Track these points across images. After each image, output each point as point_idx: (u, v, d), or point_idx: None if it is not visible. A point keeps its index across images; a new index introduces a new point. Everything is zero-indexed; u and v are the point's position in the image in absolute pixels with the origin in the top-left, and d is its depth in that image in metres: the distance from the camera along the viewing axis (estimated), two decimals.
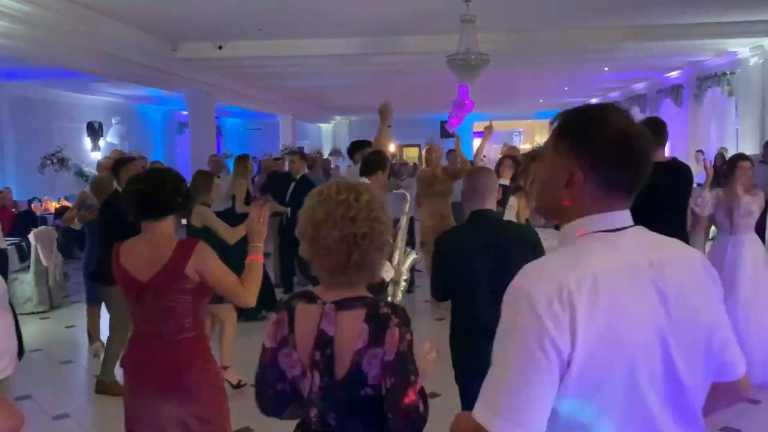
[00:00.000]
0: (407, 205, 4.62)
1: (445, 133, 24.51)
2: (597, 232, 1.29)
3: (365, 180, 4.40)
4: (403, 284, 4.42)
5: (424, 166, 7.22)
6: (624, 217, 1.33)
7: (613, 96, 17.90)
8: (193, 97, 12.30)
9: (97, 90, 14.02)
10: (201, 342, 2.67)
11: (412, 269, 4.80)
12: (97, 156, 14.91)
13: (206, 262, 2.56)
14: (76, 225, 6.12)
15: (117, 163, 5.31)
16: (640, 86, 15.84)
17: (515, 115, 25.31)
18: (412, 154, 24.77)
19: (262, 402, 1.78)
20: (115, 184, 5.10)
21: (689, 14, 9.10)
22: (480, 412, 1.19)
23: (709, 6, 8.66)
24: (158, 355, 2.57)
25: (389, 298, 4.45)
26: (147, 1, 7.61)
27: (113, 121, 15.56)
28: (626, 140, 1.27)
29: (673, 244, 1.40)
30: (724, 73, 11.46)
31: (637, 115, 16.23)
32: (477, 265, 2.87)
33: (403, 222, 4.71)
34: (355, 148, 6.18)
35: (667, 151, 14.35)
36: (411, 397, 1.61)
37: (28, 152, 12.33)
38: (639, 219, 4.09)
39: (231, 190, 7.18)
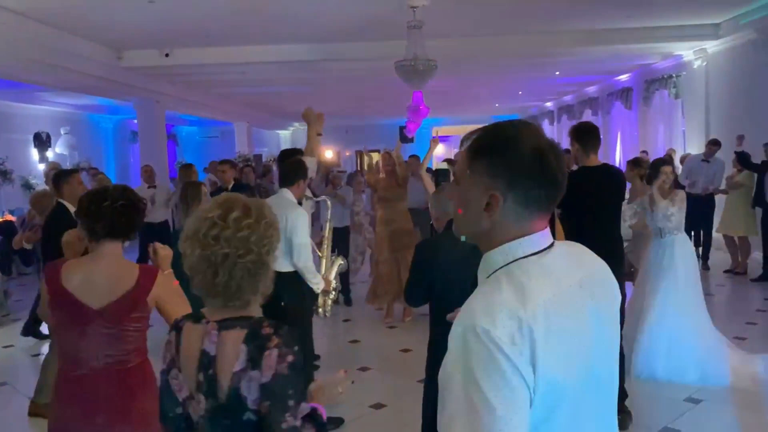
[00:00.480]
0: (329, 212, 4.61)
1: (404, 138, 24.65)
2: (526, 257, 1.27)
3: (286, 191, 4.30)
4: (332, 293, 4.41)
5: (381, 174, 7.13)
6: (546, 236, 1.32)
7: (567, 99, 18.15)
8: (143, 105, 12.07)
9: (45, 100, 13.68)
10: (148, 366, 2.57)
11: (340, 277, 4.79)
12: (43, 167, 14.60)
13: (167, 293, 2.50)
14: (28, 246, 5.91)
15: (57, 175, 5.16)
16: (592, 89, 16.09)
17: (473, 120, 25.51)
18: (375, 159, 24.84)
19: (165, 428, 1.70)
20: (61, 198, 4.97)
21: (635, 19, 9.28)
22: None
23: (654, 11, 8.84)
24: (104, 384, 2.43)
25: (320, 309, 4.40)
26: (90, 9, 7.45)
27: (62, 132, 15.18)
28: (541, 157, 1.26)
29: (589, 255, 1.42)
30: (671, 76, 11.70)
31: (589, 117, 16.52)
32: (461, 271, 2.87)
33: (327, 230, 4.71)
34: (285, 157, 5.99)
35: (619, 153, 14.65)
36: (289, 422, 1.54)
37: None
38: (572, 224, 4.09)
39: (174, 200, 7.04)
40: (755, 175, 8.40)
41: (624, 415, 4.17)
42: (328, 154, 22.80)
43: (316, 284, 4.26)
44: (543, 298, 1.20)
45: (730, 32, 9.64)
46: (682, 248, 5.09)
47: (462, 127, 26.39)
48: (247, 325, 1.60)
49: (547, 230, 1.32)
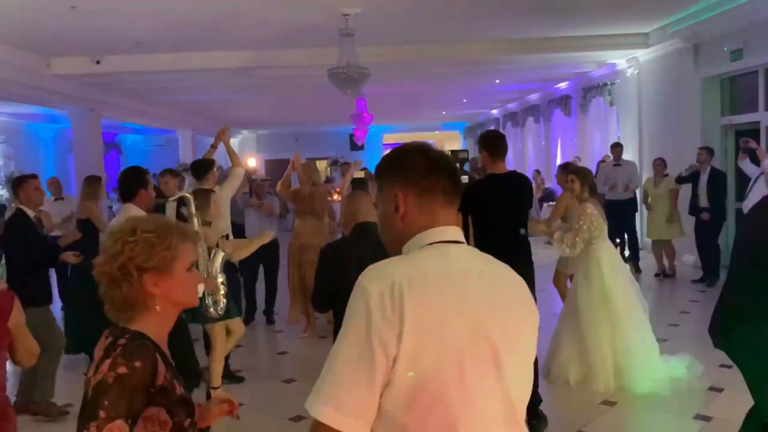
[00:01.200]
0: (192, 207, 4.30)
1: (354, 146, 24.65)
2: (433, 243, 1.43)
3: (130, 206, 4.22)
4: (222, 289, 4.26)
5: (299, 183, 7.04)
6: (455, 231, 1.47)
7: (511, 107, 18.40)
8: (77, 114, 11.74)
9: None
10: (6, 396, 2.53)
11: None
12: None
13: (21, 318, 2.46)
14: None
15: (15, 181, 5.18)
16: (533, 97, 16.34)
17: (423, 127, 25.69)
18: (322, 167, 24.72)
19: None
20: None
21: (567, 28, 9.45)
22: (311, 404, 1.28)
23: (585, 20, 9.01)
24: None
25: (211, 309, 4.28)
26: (16, 14, 7.20)
27: None
28: (425, 152, 1.51)
29: (494, 260, 1.52)
30: (605, 84, 11.97)
31: (531, 125, 16.78)
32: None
33: (195, 225, 4.31)
34: (199, 167, 5.86)
35: (559, 160, 14.85)
36: (90, 431, 1.49)
37: None
38: (481, 229, 4.07)
39: (79, 213, 6.77)
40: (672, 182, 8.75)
41: (539, 419, 4.20)
42: (251, 162, 22.61)
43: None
44: (427, 270, 1.34)
45: (658, 41, 9.91)
46: (608, 254, 5.16)
47: (412, 135, 26.56)
48: (114, 334, 1.64)
49: (458, 229, 1.48)
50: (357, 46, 7.93)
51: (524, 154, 17.55)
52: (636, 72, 11.00)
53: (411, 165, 1.48)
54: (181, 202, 4.50)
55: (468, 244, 1.48)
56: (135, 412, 1.56)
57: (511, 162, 18.60)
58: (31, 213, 4.87)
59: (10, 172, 14.22)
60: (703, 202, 8.29)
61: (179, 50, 9.21)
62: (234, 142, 25.04)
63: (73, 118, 11.92)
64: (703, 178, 8.31)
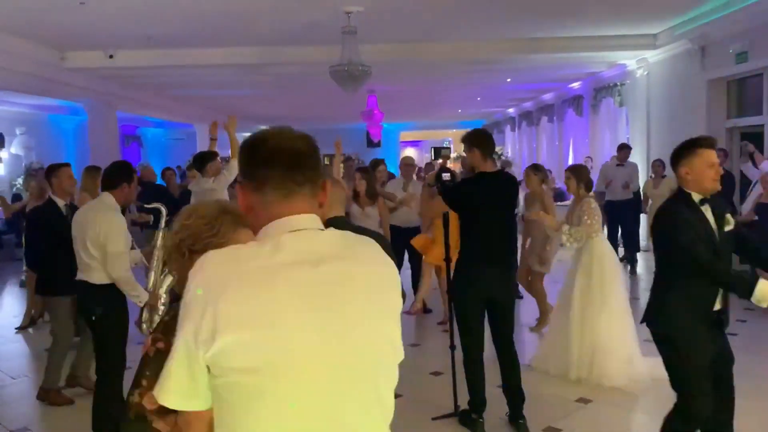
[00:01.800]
0: (163, 221, 4.40)
1: (370, 143, 24.79)
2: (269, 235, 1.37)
3: (107, 195, 4.04)
4: (160, 308, 3.96)
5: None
6: (308, 219, 1.39)
7: (527, 106, 18.36)
8: (93, 107, 12.02)
9: (1, 100, 13.54)
10: None
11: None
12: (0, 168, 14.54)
13: None
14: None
15: (48, 169, 5.30)
16: (548, 96, 16.30)
17: (440, 125, 25.74)
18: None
19: None
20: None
21: (574, 28, 9.45)
22: (156, 391, 1.33)
23: (593, 20, 9.00)
24: None
25: (144, 325, 4.00)
26: (32, 9, 7.42)
27: (17, 132, 15.08)
28: (260, 142, 1.40)
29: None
30: (616, 84, 11.93)
31: (545, 124, 16.72)
32: None
33: (158, 239, 4.38)
34: (201, 159, 6.06)
35: (571, 160, 14.79)
36: (135, 398, 1.72)
37: None
38: (472, 226, 4.14)
39: (78, 203, 6.94)
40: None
41: (523, 421, 4.24)
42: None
43: (136, 297, 3.99)
44: (249, 265, 1.30)
45: (666, 42, 9.86)
46: (599, 248, 5.23)
47: (429, 132, 26.61)
48: (167, 311, 1.83)
49: (311, 216, 1.40)
50: (363, 43, 8.03)
51: (538, 154, 17.50)
52: (645, 73, 10.95)
53: (245, 158, 1.42)
54: (158, 210, 4.55)
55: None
56: None
57: (525, 161, 18.57)
58: (61, 203, 5.02)
59: (30, 163, 14.57)
60: None
61: (189, 46, 9.39)
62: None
63: (89, 110, 12.20)
64: None
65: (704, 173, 3.04)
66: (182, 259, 1.75)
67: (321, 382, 1.28)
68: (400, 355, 1.45)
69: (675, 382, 3.15)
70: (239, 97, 15.21)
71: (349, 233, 1.46)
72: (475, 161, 4.26)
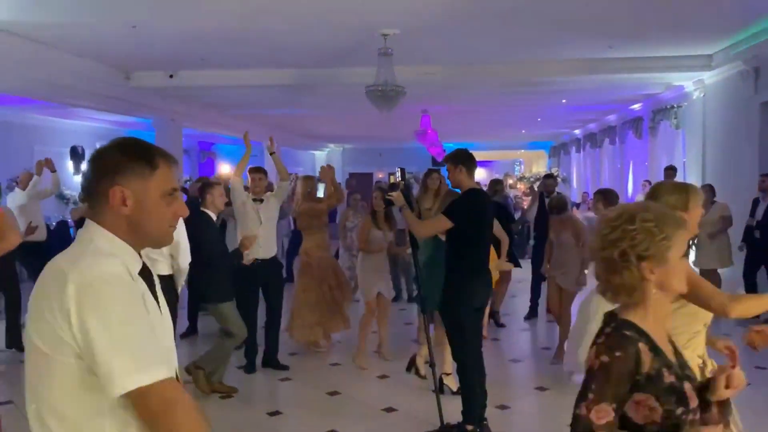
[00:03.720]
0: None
1: (435, 162, 24.92)
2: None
3: None
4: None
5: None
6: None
7: (591, 127, 18.01)
8: (159, 123, 12.76)
9: (83, 116, 14.54)
10: None
11: None
12: (79, 179, 15.56)
13: None
14: None
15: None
16: (611, 118, 15.95)
17: (508, 145, 25.58)
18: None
19: None
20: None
21: (623, 49, 9.28)
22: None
23: (645, 41, 8.81)
24: None
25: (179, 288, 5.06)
26: (97, 34, 8.02)
27: (97, 145, 16.10)
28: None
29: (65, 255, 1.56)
30: (672, 107, 11.58)
31: (607, 146, 16.35)
32: None
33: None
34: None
35: (631, 183, 14.40)
36: None
37: (6, 176, 12.81)
38: (466, 238, 4.39)
39: None
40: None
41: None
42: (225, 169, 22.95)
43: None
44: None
45: (722, 63, 9.52)
46: None
47: (495, 153, 26.45)
48: (605, 321, 1.81)
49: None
50: (401, 65, 8.22)
51: (600, 176, 17.12)
52: (702, 95, 10.60)
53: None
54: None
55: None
56: (621, 397, 1.67)
57: (589, 183, 18.20)
58: (213, 215, 5.50)
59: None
60: (756, 233, 7.90)
61: (238, 67, 9.88)
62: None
63: (156, 127, 12.96)
64: (762, 207, 7.91)
65: None
66: (628, 267, 1.71)
67: None
68: None
69: None
70: (297, 117, 15.73)
71: None
72: (462, 178, 4.42)
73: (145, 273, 1.60)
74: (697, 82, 10.61)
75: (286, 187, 6.53)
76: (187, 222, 5.68)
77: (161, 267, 4.73)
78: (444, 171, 7.38)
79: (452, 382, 5.22)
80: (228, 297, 5.36)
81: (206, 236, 5.27)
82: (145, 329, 1.44)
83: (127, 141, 1.62)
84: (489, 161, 29.67)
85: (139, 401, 1.40)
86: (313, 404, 5.29)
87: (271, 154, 6.62)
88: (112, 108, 11.43)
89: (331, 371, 6.21)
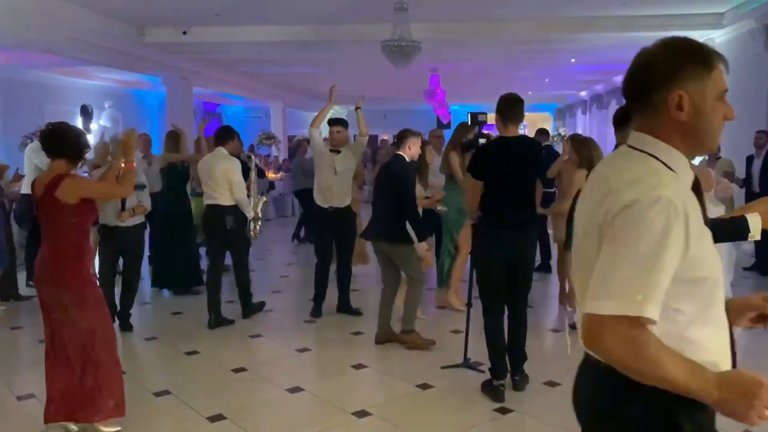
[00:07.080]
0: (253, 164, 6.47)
1: (440, 125, 24.93)
2: None
3: (221, 148, 6.06)
4: (259, 221, 6.40)
5: None
6: None
7: (598, 88, 18.05)
8: (170, 81, 12.83)
9: (92, 75, 14.58)
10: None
11: None
12: (89, 138, 15.67)
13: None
14: None
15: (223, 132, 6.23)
16: (619, 79, 15.95)
17: None
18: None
19: None
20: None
21: (636, 7, 9.36)
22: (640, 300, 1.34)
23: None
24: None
25: (252, 233, 6.35)
26: None
27: (106, 105, 16.21)
28: None
29: None
30: None
31: (614, 107, 16.41)
32: None
33: (251, 180, 6.41)
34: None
35: None
36: None
37: (17, 134, 12.93)
38: (487, 189, 4.37)
39: (160, 163, 7.63)
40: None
41: (522, 376, 4.43)
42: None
43: (248, 213, 6.06)
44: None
45: (733, 21, 9.59)
46: None
47: None
48: None
49: None
50: (420, 21, 8.28)
51: (607, 138, 17.20)
52: None
53: None
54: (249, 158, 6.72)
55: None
56: None
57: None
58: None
59: (116, 134, 15.65)
60: (756, 187, 8.06)
61: (253, 23, 9.93)
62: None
63: (167, 84, 13.02)
64: (757, 163, 8.07)
65: None
66: None
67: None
68: None
69: None
70: (303, 75, 15.74)
71: None
72: (498, 127, 4.45)
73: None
74: (708, 41, 10.65)
75: (364, 143, 6.52)
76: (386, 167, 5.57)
77: (224, 199, 5.80)
78: (447, 133, 7.47)
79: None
80: (409, 238, 5.10)
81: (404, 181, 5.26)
82: None
83: (677, 42, 1.55)
84: (493, 124, 29.69)
85: None
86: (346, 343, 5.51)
87: (356, 109, 6.59)
88: (124, 65, 11.50)
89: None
